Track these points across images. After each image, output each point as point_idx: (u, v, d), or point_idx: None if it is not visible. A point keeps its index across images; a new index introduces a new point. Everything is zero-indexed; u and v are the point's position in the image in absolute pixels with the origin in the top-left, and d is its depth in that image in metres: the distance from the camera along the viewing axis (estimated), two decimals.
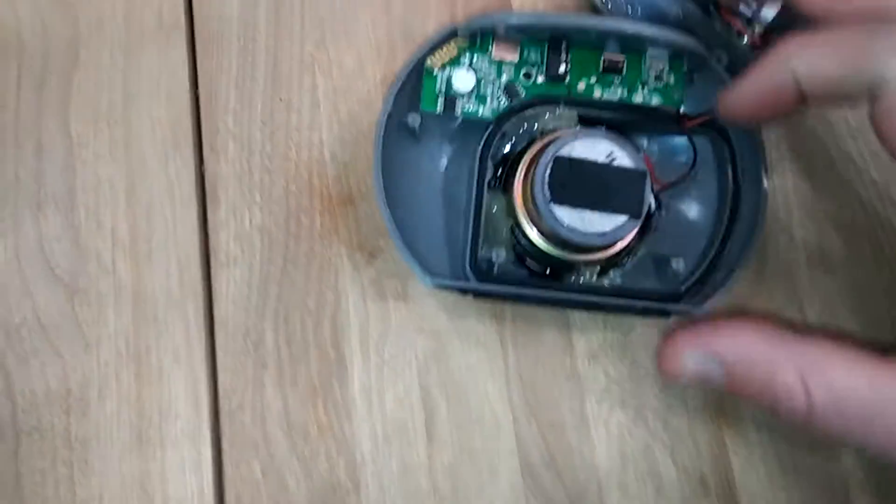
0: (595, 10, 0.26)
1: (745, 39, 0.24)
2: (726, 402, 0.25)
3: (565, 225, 0.21)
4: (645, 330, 0.26)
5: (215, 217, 0.25)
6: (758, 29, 0.24)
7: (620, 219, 0.21)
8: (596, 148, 0.22)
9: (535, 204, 0.22)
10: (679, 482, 0.25)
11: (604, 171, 0.21)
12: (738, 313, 0.21)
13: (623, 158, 0.22)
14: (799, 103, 0.20)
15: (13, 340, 0.24)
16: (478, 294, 0.24)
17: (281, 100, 0.26)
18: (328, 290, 0.25)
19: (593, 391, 0.25)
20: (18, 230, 0.25)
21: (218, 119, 0.26)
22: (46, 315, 0.24)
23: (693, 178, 0.25)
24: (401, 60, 0.27)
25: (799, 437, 0.25)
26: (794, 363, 0.19)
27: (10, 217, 0.25)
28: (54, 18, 0.26)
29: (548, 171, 0.21)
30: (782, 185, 0.26)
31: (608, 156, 0.22)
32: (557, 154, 0.21)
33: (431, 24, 0.27)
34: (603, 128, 0.24)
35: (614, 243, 0.23)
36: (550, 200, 0.21)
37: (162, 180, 0.25)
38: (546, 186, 0.21)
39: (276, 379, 0.24)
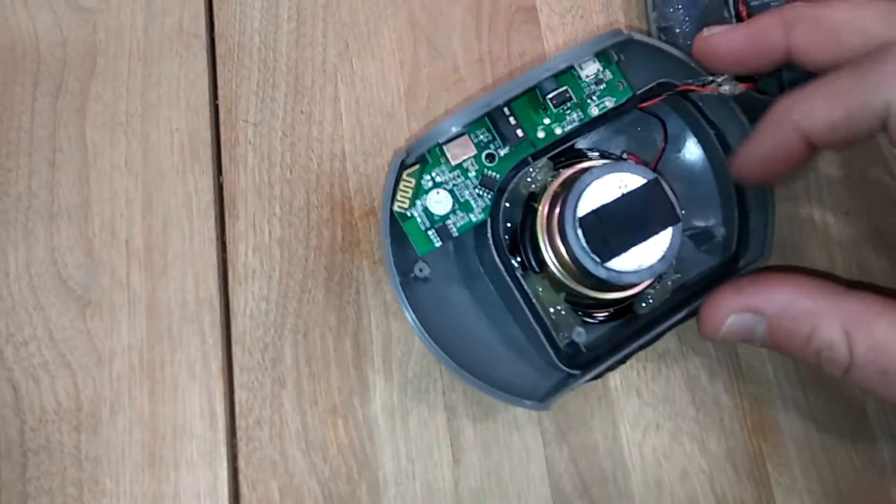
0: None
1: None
2: (766, 422, 0.26)
3: (629, 272, 0.22)
4: (677, 348, 0.27)
5: (234, 229, 0.26)
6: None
7: (666, 234, 0.22)
8: (605, 186, 0.23)
9: (588, 273, 0.22)
10: None
11: (626, 203, 0.22)
12: (781, 267, 0.23)
13: (632, 179, 0.22)
14: (809, 154, 0.21)
15: (22, 355, 0.24)
16: (589, 381, 0.24)
17: (302, 112, 0.28)
18: (349, 305, 0.26)
19: (626, 413, 0.26)
20: (30, 242, 0.26)
21: (238, 130, 0.27)
22: (58, 328, 0.25)
23: (676, 145, 0.27)
24: (424, 73, 0.29)
25: (845, 462, 0.26)
26: (837, 316, 0.20)
27: (21, 228, 0.26)
28: (72, 26, 0.28)
29: (581, 237, 0.22)
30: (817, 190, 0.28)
31: (619, 185, 0.23)
32: (580, 216, 0.22)
33: (456, 36, 0.29)
34: (598, 163, 0.25)
35: (675, 256, 0.24)
36: (601, 262, 0.22)
37: (179, 191, 0.27)
38: (589, 252, 0.22)
39: (295, 397, 0.25)
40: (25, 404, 0.24)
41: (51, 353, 0.25)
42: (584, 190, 0.22)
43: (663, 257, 0.22)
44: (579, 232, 0.22)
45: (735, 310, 0.21)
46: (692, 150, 0.27)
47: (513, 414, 0.25)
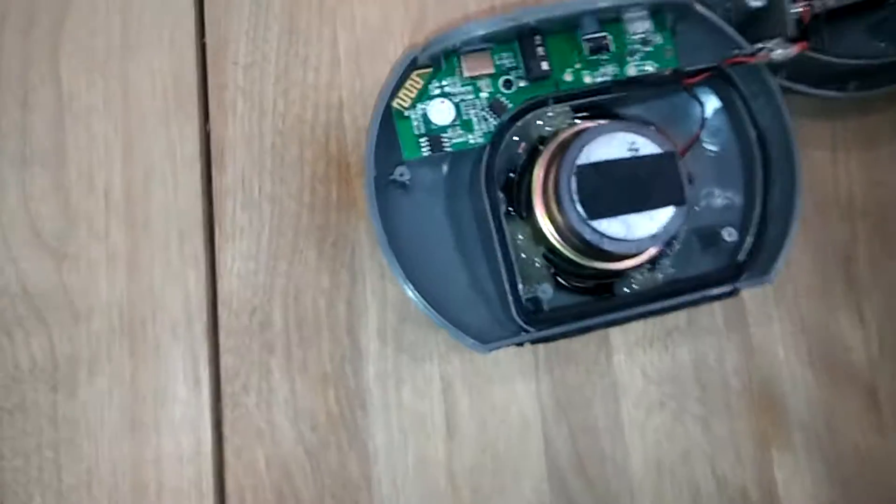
0: None
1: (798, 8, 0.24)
2: (773, 403, 0.26)
3: (613, 239, 0.21)
4: (686, 326, 0.26)
5: (221, 183, 0.25)
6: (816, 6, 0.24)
7: (666, 212, 0.21)
8: (615, 142, 0.22)
9: (570, 226, 0.22)
10: (718, 493, 0.25)
11: (633, 166, 0.21)
12: None
13: (647, 145, 0.22)
14: None
15: None
16: (535, 341, 0.23)
17: (297, 55, 0.27)
18: (343, 268, 0.25)
19: (629, 392, 0.26)
20: (1, 189, 0.25)
21: (227, 73, 0.26)
22: (32, 282, 0.24)
23: (711, 137, 0.25)
24: (431, 19, 0.27)
25: (851, 447, 0.26)
26: None
27: None
28: None
29: (573, 186, 0.21)
30: (845, 157, 0.28)
31: (630, 147, 0.22)
32: (578, 163, 0.21)
33: None
34: (612, 119, 0.24)
35: (670, 241, 0.23)
36: (587, 217, 0.21)
37: (162, 139, 0.26)
38: (577, 203, 0.21)
39: (284, 363, 0.24)
40: None
41: (25, 308, 0.24)
42: (592, 139, 0.21)
43: (655, 235, 0.21)
44: (573, 180, 0.21)
45: None
46: (727, 147, 0.26)
47: (511, 388, 0.25)
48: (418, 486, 0.24)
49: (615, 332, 0.26)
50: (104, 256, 0.25)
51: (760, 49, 0.23)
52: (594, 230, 0.21)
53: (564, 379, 0.25)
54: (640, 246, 0.21)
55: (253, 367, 0.24)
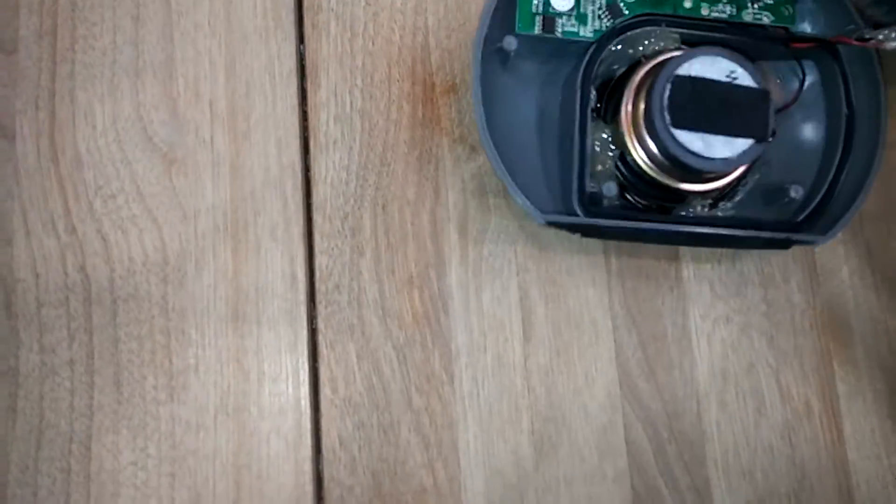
0: None
1: None
2: (836, 321, 0.27)
3: (689, 150, 0.23)
4: None
5: (315, 98, 0.27)
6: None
7: (745, 142, 0.23)
8: (715, 66, 0.23)
9: (652, 129, 0.23)
10: (782, 402, 0.27)
11: (726, 91, 0.23)
12: None
13: (745, 77, 0.23)
14: None
15: (110, 207, 0.26)
16: (587, 232, 0.25)
17: None
18: (428, 181, 0.27)
19: (698, 304, 0.27)
20: (116, 97, 0.27)
21: None
22: (144, 183, 0.26)
23: (800, 102, 0.26)
24: None
25: None
26: None
27: (107, 83, 0.27)
28: None
29: (667, 93, 0.23)
30: None
31: (729, 75, 0.23)
32: (677, 73, 0.23)
33: None
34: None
35: (737, 170, 0.24)
36: (671, 124, 0.23)
37: (262, 56, 0.28)
38: (666, 109, 0.23)
39: (373, 265, 0.27)
40: (115, 254, 0.26)
41: (138, 207, 0.26)
42: (696, 56, 0.23)
43: (728, 160, 0.23)
44: (668, 87, 0.22)
45: None
46: (814, 114, 0.27)
47: (585, 297, 0.27)
48: (496, 383, 0.26)
49: (684, 248, 0.27)
50: (210, 162, 0.27)
51: (875, 37, 0.23)
52: (674, 138, 0.23)
53: (635, 290, 0.27)
54: (712, 165, 0.23)
55: (345, 268, 0.27)
